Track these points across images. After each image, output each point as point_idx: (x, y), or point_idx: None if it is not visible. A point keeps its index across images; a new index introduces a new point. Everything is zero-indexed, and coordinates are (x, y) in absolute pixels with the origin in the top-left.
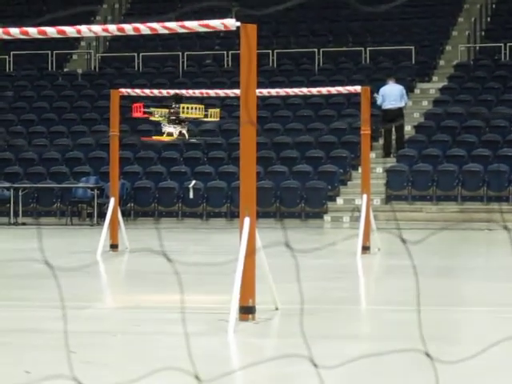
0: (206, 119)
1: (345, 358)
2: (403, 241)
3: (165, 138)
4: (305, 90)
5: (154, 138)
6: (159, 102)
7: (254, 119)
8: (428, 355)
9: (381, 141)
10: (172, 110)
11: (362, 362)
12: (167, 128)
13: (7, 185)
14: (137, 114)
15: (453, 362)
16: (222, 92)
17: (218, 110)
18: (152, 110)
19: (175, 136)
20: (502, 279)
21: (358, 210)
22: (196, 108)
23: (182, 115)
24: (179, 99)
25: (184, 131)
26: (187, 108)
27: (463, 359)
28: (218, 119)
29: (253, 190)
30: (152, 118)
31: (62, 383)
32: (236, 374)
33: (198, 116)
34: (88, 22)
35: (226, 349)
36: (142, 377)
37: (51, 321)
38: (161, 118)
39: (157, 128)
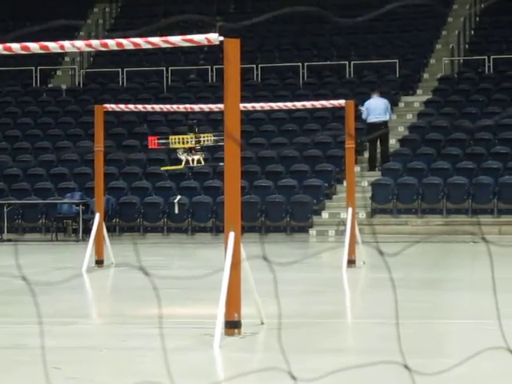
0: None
1: (328, 371)
2: (381, 253)
3: (175, 167)
4: (289, 105)
5: (163, 168)
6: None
7: (235, 134)
8: (406, 367)
9: (366, 154)
10: (188, 139)
11: (343, 375)
12: (181, 156)
13: None
14: (152, 146)
15: (431, 374)
16: (206, 107)
17: None
18: (167, 141)
19: (190, 163)
20: (486, 291)
21: (343, 223)
22: (208, 137)
23: (197, 145)
24: (192, 128)
25: (200, 158)
26: (201, 137)
27: (441, 371)
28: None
29: (238, 205)
30: (171, 146)
31: None
32: None
33: (208, 144)
34: (72, 37)
35: (212, 363)
36: None
37: (36, 337)
38: (179, 146)
39: (142, 143)
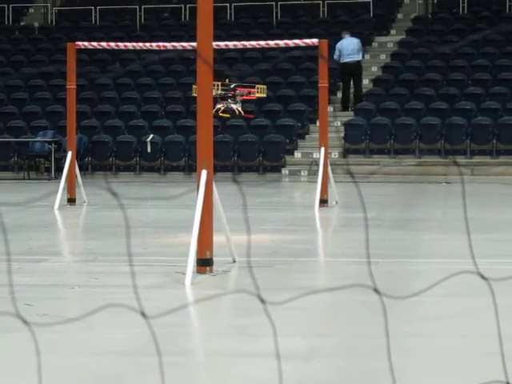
0: (254, 96)
1: (299, 305)
2: (352, 176)
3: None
4: (262, 43)
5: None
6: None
7: (208, 73)
8: (376, 290)
9: (339, 94)
10: (222, 88)
11: (313, 299)
12: (218, 104)
13: None
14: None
15: (402, 298)
16: (178, 45)
17: (264, 86)
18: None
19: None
20: (458, 231)
21: (316, 163)
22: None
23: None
24: (223, 78)
25: (236, 107)
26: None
27: (412, 294)
28: (265, 95)
29: (210, 144)
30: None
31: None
32: (192, 323)
33: (214, 92)
34: None
35: (182, 301)
36: (87, 314)
37: (7, 274)
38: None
39: (115, 81)
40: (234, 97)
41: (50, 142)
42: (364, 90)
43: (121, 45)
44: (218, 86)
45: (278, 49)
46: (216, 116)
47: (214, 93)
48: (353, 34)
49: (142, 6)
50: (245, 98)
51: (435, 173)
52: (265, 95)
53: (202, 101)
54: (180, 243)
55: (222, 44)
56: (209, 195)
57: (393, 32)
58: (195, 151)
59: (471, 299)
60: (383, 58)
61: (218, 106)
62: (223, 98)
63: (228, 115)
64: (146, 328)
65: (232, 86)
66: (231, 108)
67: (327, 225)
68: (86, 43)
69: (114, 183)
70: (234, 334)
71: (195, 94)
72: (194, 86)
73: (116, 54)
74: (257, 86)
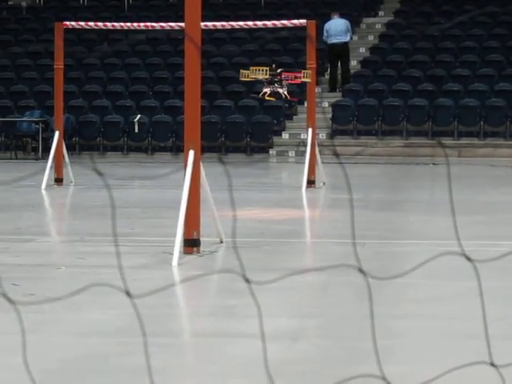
0: (299, 81)
1: (286, 286)
2: (336, 155)
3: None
4: (250, 23)
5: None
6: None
7: (196, 54)
8: (361, 270)
9: (326, 75)
10: (269, 73)
11: (299, 279)
12: (265, 88)
13: None
14: (244, 79)
15: (387, 279)
16: (166, 25)
17: (310, 71)
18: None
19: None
20: (445, 213)
21: (304, 144)
22: (261, 70)
23: (244, 79)
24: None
25: (283, 91)
26: (253, 71)
27: (397, 276)
28: (310, 80)
29: (197, 123)
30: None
31: None
32: (178, 303)
33: (262, 77)
34: None
35: (169, 281)
36: (73, 294)
37: None
38: (261, 77)
39: (103, 61)
40: (280, 81)
41: (37, 122)
42: (352, 71)
43: (108, 25)
44: (266, 70)
45: (266, 29)
46: (263, 99)
47: (261, 77)
48: (341, 15)
49: None
50: (291, 82)
51: (422, 154)
52: (310, 80)
53: (189, 81)
54: (167, 224)
55: (209, 24)
56: (196, 176)
57: (381, 13)
58: (183, 131)
59: (457, 282)
60: (371, 39)
61: (265, 89)
62: (270, 83)
63: (274, 98)
64: (131, 308)
65: (278, 71)
66: (277, 92)
67: (314, 206)
68: (73, 23)
69: (101, 163)
70: (220, 315)
71: (243, 79)
72: (241, 71)
73: (104, 34)
74: (303, 71)
